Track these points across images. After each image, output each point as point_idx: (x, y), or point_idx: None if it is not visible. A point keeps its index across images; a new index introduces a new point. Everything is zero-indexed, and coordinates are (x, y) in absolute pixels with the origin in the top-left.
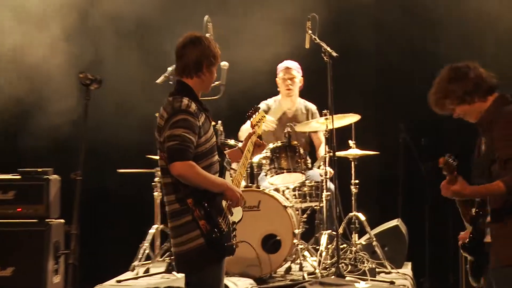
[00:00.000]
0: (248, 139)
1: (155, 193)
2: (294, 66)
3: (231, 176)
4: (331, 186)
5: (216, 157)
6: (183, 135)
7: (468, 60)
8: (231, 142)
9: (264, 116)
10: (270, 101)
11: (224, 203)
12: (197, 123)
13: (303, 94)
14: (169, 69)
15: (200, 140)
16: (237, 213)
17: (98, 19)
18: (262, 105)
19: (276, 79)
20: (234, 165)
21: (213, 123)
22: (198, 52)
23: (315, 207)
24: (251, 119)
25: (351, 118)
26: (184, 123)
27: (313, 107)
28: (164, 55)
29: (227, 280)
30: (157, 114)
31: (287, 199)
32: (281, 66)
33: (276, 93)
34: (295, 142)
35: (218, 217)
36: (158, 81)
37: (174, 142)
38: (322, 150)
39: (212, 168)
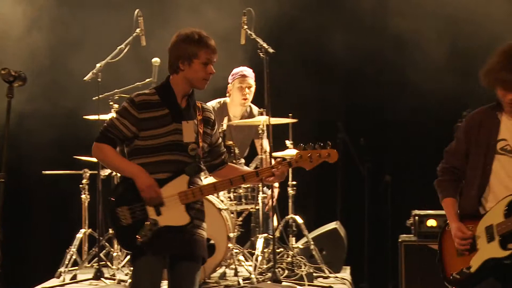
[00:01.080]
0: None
1: (83, 196)
2: (250, 74)
3: (190, 184)
4: (266, 188)
5: (175, 157)
6: (112, 119)
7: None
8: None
9: (329, 155)
10: (213, 103)
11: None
12: (134, 113)
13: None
14: (98, 65)
15: (144, 133)
16: (171, 216)
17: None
18: (212, 104)
19: (229, 85)
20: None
21: (187, 123)
22: (173, 49)
23: (251, 210)
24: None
25: (288, 120)
26: (121, 110)
27: (257, 112)
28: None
29: None
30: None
31: (222, 201)
32: (237, 73)
33: (213, 92)
34: (230, 142)
35: (123, 206)
36: (86, 78)
37: (104, 125)
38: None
39: (162, 166)
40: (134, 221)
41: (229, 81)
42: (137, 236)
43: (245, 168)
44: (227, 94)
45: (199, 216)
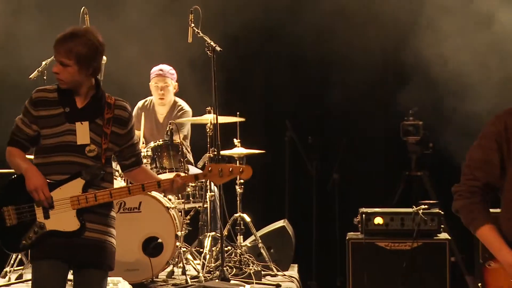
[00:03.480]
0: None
1: None
2: (167, 73)
3: (85, 188)
4: (214, 186)
5: (70, 159)
6: (16, 119)
7: None
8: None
9: (242, 172)
10: (140, 103)
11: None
12: (31, 111)
13: (188, 90)
14: (43, 63)
15: (43, 131)
16: (60, 221)
17: None
18: (136, 108)
19: (150, 83)
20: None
21: (81, 125)
22: None
23: (199, 208)
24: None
25: (235, 119)
26: (23, 108)
27: (188, 110)
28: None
29: None
30: None
31: (170, 200)
32: (153, 72)
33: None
34: (178, 141)
35: (9, 205)
36: (31, 76)
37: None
38: None
39: (57, 167)
40: (19, 222)
41: (150, 79)
42: (22, 241)
43: (156, 175)
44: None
45: (102, 221)
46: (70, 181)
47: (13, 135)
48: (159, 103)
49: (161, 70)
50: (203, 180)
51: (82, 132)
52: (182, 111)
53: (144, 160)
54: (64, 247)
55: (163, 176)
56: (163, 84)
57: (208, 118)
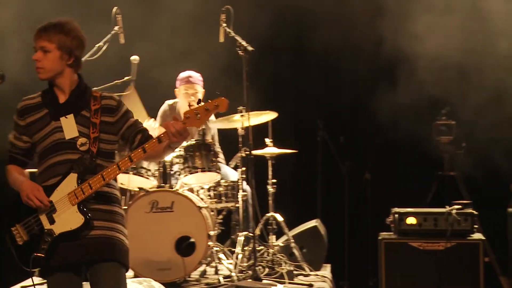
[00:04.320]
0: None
1: None
2: (197, 80)
3: (80, 181)
4: (247, 186)
5: (64, 157)
6: (9, 136)
7: None
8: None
9: (217, 106)
10: (171, 103)
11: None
12: (19, 121)
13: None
14: None
15: (34, 138)
16: (64, 221)
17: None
18: (165, 105)
19: (176, 89)
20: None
21: (65, 119)
22: None
23: (231, 208)
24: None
25: (268, 116)
26: (13, 124)
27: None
28: None
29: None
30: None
31: (202, 199)
32: (183, 79)
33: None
34: (210, 140)
35: (17, 224)
36: None
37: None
38: None
39: (53, 170)
40: (31, 236)
41: (176, 85)
42: (34, 254)
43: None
44: (175, 95)
45: (107, 218)
46: (64, 179)
47: (9, 152)
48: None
49: (190, 77)
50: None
51: (69, 126)
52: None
53: (176, 160)
54: (74, 248)
55: (193, 176)
56: (193, 91)
57: (240, 119)
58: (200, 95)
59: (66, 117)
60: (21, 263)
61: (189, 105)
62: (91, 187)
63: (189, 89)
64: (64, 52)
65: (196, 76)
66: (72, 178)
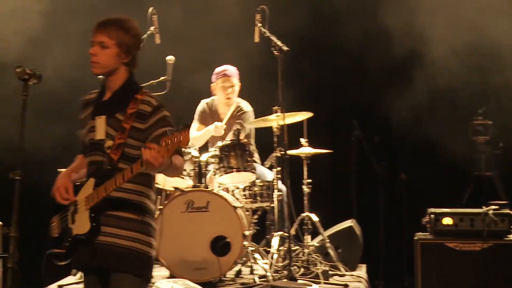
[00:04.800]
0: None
1: None
2: (233, 73)
3: (96, 186)
4: (283, 186)
5: (94, 158)
6: None
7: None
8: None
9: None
10: (208, 101)
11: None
12: (79, 116)
13: (254, 89)
14: None
15: (81, 133)
16: (79, 224)
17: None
18: (202, 104)
19: (212, 84)
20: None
21: (99, 119)
22: None
23: (266, 208)
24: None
25: (303, 116)
26: None
27: (249, 110)
28: None
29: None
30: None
31: (237, 199)
32: (219, 73)
33: None
34: (245, 140)
35: (55, 216)
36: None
37: None
38: None
39: (89, 169)
40: (63, 230)
41: (212, 80)
42: (55, 249)
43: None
44: (212, 93)
45: (123, 225)
46: (86, 182)
47: (80, 144)
48: (225, 102)
49: (227, 70)
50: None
51: (100, 127)
52: (241, 112)
53: (212, 160)
54: (86, 251)
55: (228, 176)
56: (230, 84)
57: (275, 119)
58: (237, 88)
59: (100, 117)
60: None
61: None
62: (106, 190)
63: (226, 82)
64: (122, 49)
65: (232, 70)
66: (91, 182)
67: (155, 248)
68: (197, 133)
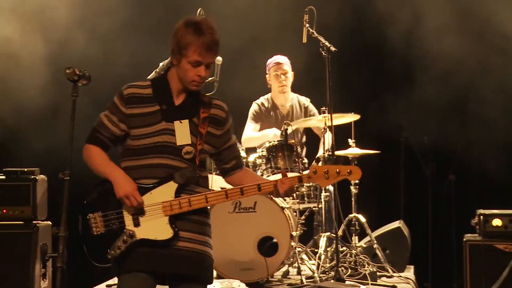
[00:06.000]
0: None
1: None
2: (285, 61)
3: (181, 193)
4: (330, 186)
5: (165, 161)
6: (101, 116)
7: None
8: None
9: (350, 173)
10: (262, 100)
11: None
12: (122, 108)
13: (299, 89)
14: (161, 64)
15: (134, 131)
16: (151, 229)
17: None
18: (254, 105)
19: (266, 75)
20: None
21: (180, 123)
22: (173, 39)
23: (314, 209)
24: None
25: (350, 117)
26: (110, 104)
27: (306, 101)
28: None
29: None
30: None
31: (284, 200)
32: (271, 62)
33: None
34: (293, 141)
35: (96, 212)
36: (149, 77)
37: (94, 123)
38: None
39: (149, 171)
40: (107, 231)
41: (267, 71)
42: (108, 250)
43: (260, 177)
44: (268, 86)
45: (197, 230)
46: (161, 185)
47: (96, 132)
48: (279, 90)
49: (279, 58)
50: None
51: (182, 132)
52: (308, 111)
53: (259, 160)
54: (155, 257)
55: (276, 177)
56: (283, 71)
57: (322, 119)
58: (290, 75)
59: (181, 122)
60: (88, 254)
61: (317, 160)
62: (190, 204)
63: (278, 70)
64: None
65: (284, 58)
66: (171, 187)
67: None
68: (255, 134)
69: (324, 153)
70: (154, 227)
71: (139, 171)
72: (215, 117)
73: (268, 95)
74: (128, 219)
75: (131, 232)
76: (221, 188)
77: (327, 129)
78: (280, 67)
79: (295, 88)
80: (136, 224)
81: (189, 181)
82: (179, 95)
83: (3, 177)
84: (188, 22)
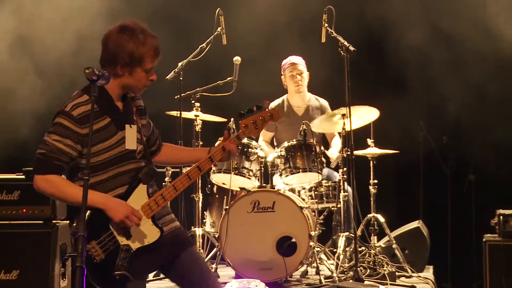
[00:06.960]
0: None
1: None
2: (300, 61)
3: (150, 191)
4: (348, 187)
5: (128, 167)
6: (50, 143)
7: None
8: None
9: (271, 116)
10: (279, 101)
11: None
12: (77, 129)
13: (317, 89)
14: (179, 64)
15: (95, 147)
16: (141, 236)
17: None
18: (280, 102)
19: (282, 76)
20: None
21: (130, 129)
22: (112, 46)
23: (332, 208)
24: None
25: (369, 114)
26: (58, 129)
27: (325, 102)
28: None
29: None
30: None
31: (303, 200)
32: (286, 63)
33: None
34: (311, 141)
35: (91, 241)
36: (168, 77)
37: (41, 151)
38: (336, 141)
39: (117, 180)
40: (107, 254)
41: (282, 72)
42: (115, 272)
43: (185, 147)
44: (284, 87)
45: (165, 212)
46: (133, 191)
47: (53, 160)
48: (295, 90)
49: (294, 59)
50: (247, 138)
51: (131, 136)
52: (326, 111)
53: (278, 160)
54: (154, 257)
55: (294, 176)
56: (298, 71)
57: (343, 120)
58: (305, 76)
59: (131, 127)
60: (96, 282)
61: (241, 115)
62: (164, 198)
63: (293, 70)
64: None
65: (298, 58)
66: (142, 189)
67: None
68: (264, 147)
69: (342, 153)
70: (143, 232)
71: (108, 183)
72: (139, 108)
73: (284, 96)
74: (119, 235)
75: (126, 246)
76: (240, 188)
77: (345, 130)
78: (295, 68)
79: (313, 90)
80: (128, 236)
81: (153, 177)
82: (118, 101)
83: (23, 176)
84: (131, 31)
